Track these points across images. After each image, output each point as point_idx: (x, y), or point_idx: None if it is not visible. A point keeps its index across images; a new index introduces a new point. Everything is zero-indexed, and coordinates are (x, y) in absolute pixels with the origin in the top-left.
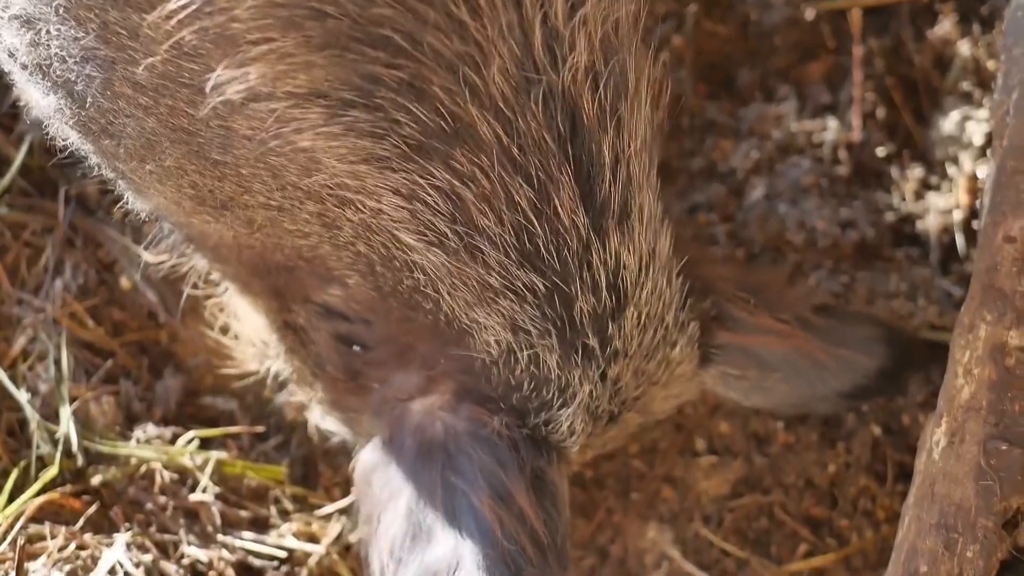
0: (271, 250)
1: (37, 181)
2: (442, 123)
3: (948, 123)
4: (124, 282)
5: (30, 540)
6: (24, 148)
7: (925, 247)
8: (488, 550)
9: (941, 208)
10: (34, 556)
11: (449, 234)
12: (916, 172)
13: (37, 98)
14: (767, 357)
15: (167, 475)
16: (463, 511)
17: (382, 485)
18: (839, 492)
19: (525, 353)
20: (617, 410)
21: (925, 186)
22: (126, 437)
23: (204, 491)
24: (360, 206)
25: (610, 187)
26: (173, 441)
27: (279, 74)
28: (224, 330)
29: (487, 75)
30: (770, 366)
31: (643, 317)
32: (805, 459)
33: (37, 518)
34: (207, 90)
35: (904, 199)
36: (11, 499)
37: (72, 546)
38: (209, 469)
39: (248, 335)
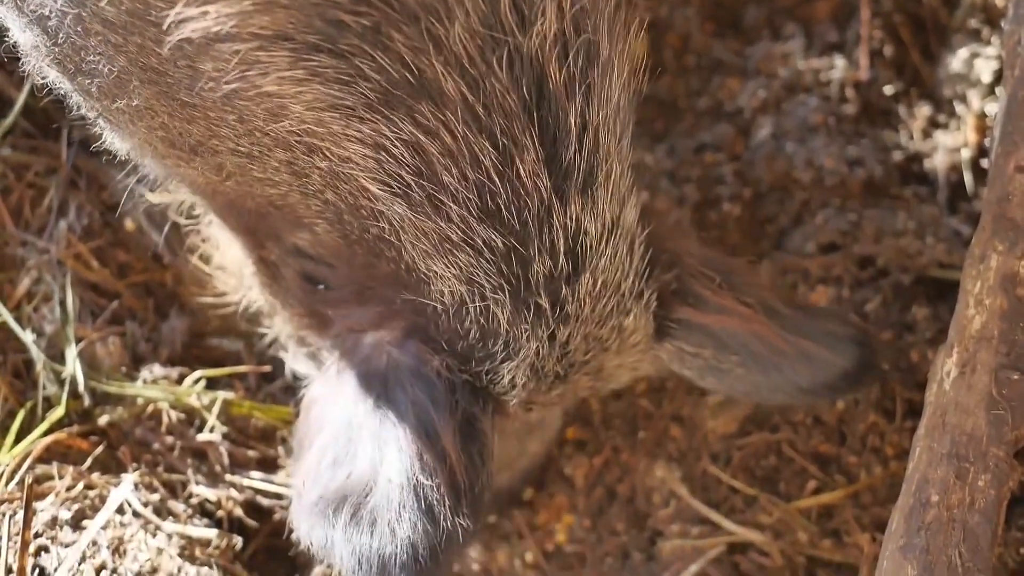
0: (243, 197)
1: (40, 122)
2: (408, 75)
3: (956, 61)
4: (128, 223)
5: (38, 480)
6: (26, 89)
7: (933, 185)
8: (403, 481)
9: (949, 146)
10: (42, 496)
11: (414, 186)
12: (924, 110)
13: (17, 35)
14: (725, 338)
15: (174, 415)
16: (388, 441)
17: (320, 412)
18: (847, 429)
19: (477, 304)
20: (563, 372)
21: (933, 124)
22: (132, 378)
23: (212, 431)
24: (328, 154)
25: (576, 153)
26: (180, 381)
27: (242, 13)
28: (206, 259)
29: (451, 30)
30: (728, 348)
31: (599, 284)
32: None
33: (44, 458)
34: (167, 27)
35: (912, 137)
36: (18, 439)
37: (80, 486)
38: (216, 409)
39: (228, 266)
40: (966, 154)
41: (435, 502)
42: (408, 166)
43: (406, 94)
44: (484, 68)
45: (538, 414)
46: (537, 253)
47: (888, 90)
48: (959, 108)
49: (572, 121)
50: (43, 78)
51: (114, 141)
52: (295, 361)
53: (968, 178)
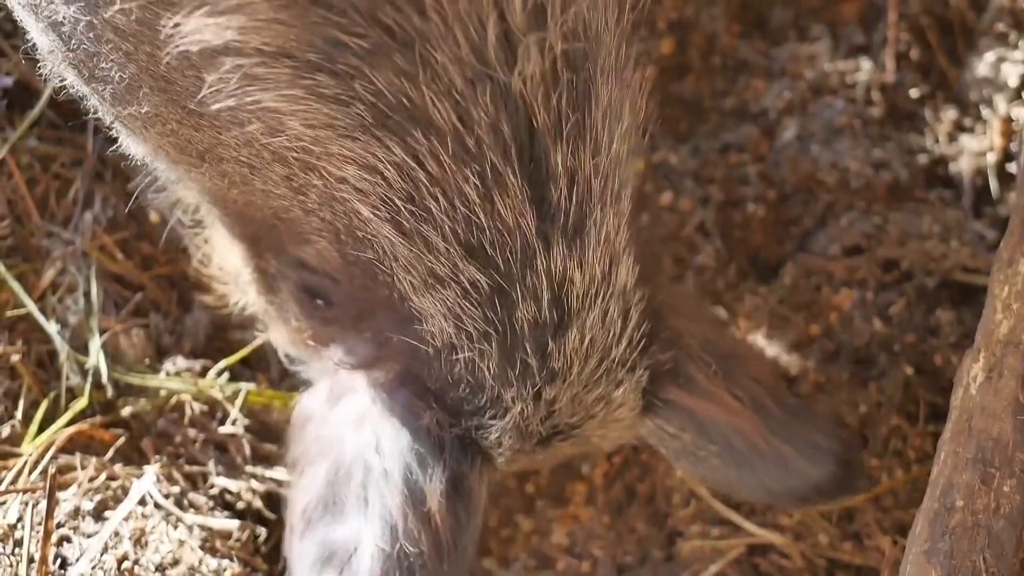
0: (249, 207)
1: (66, 113)
2: (403, 99)
3: (983, 64)
4: (153, 216)
5: (61, 470)
6: (53, 80)
7: (958, 189)
8: (386, 546)
9: (975, 150)
10: (65, 486)
11: (403, 212)
12: (950, 114)
13: (35, 37)
14: (707, 427)
15: (197, 407)
16: (374, 498)
17: (313, 438)
18: (870, 432)
19: (465, 355)
20: (547, 434)
21: (959, 128)
22: (155, 370)
23: (234, 423)
24: (324, 173)
25: (564, 198)
26: (203, 374)
27: (244, 28)
28: (206, 261)
29: (443, 59)
30: (708, 436)
31: (587, 343)
32: (836, 399)
33: (67, 449)
34: (168, 35)
35: (937, 141)
36: (41, 429)
37: (102, 477)
38: (239, 402)
39: (226, 269)
40: (992, 158)
41: (417, 567)
42: (398, 191)
43: (401, 118)
44: (473, 99)
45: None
46: (521, 297)
47: (914, 93)
48: (985, 112)
49: (560, 160)
50: (61, 80)
51: (129, 145)
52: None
53: (993, 182)
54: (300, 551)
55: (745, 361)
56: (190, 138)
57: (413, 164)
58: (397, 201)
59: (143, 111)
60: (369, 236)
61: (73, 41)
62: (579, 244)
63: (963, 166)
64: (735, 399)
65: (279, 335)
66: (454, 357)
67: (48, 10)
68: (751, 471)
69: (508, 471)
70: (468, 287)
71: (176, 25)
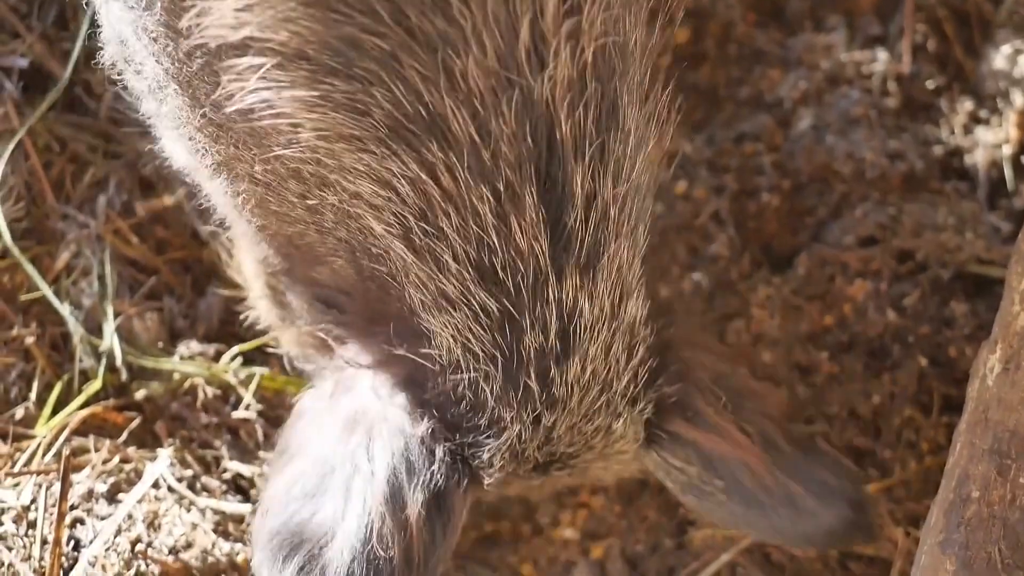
0: (264, 231)
1: (83, 97)
2: (421, 109)
3: (1000, 57)
4: (168, 200)
5: (74, 453)
6: (71, 64)
7: (973, 181)
8: (358, 543)
9: (990, 142)
10: (78, 468)
11: (415, 230)
12: (966, 105)
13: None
14: (714, 461)
15: (210, 391)
16: (355, 496)
17: (304, 431)
18: (883, 423)
19: (469, 374)
20: (544, 461)
21: (975, 120)
22: (169, 353)
23: (247, 408)
24: (339, 188)
25: (580, 222)
26: (216, 358)
27: (261, 24)
28: (229, 259)
29: (466, 65)
30: (714, 471)
31: (588, 373)
32: (849, 389)
33: (81, 431)
34: (187, 28)
35: (953, 132)
36: (55, 412)
37: (116, 459)
38: (253, 386)
39: (245, 273)
40: (1007, 150)
41: (384, 572)
42: (412, 207)
43: (418, 129)
44: (494, 110)
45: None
46: (530, 325)
47: (930, 84)
48: (1001, 104)
49: (579, 182)
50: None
51: (164, 144)
52: (296, 360)
53: (1009, 174)
54: (268, 532)
55: (757, 396)
56: (207, 146)
57: (427, 179)
58: (410, 218)
59: (164, 111)
60: (383, 252)
61: (123, 39)
62: (591, 275)
63: (978, 158)
64: (744, 434)
65: (286, 338)
66: (458, 375)
67: (104, 10)
68: (759, 510)
69: (504, 495)
70: (479, 311)
71: (197, 15)
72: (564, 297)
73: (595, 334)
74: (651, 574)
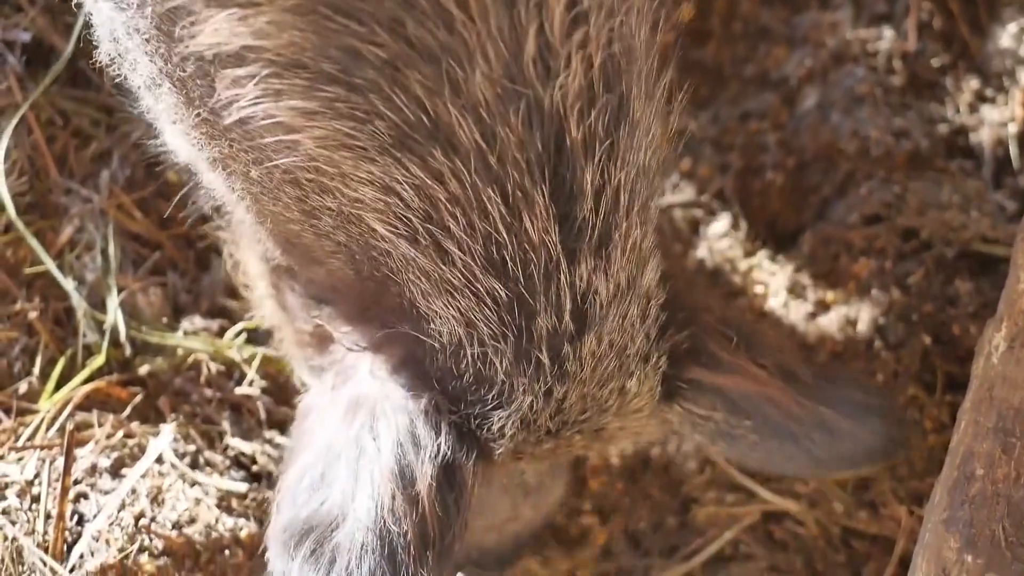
0: (260, 229)
1: (86, 71)
2: (424, 117)
3: (1006, 35)
4: (172, 175)
5: (78, 427)
6: (74, 38)
7: (978, 159)
8: (370, 523)
9: (996, 121)
10: (82, 443)
11: (421, 231)
12: (971, 84)
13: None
14: (739, 401)
15: (214, 367)
16: (363, 476)
17: (310, 427)
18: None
19: (476, 349)
20: (556, 428)
21: (980, 98)
22: (173, 329)
23: (251, 384)
24: (339, 194)
25: (591, 212)
26: (220, 334)
27: (257, 33)
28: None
29: (471, 76)
30: (740, 412)
31: (603, 345)
32: (853, 367)
33: (84, 406)
34: (181, 36)
35: (959, 111)
36: (58, 387)
37: (119, 434)
38: (256, 363)
39: (248, 273)
40: (1013, 129)
41: (399, 549)
42: (416, 210)
43: (421, 137)
44: (500, 118)
45: (535, 477)
46: (543, 308)
47: (936, 62)
48: (1007, 82)
49: (589, 180)
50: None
51: (165, 138)
52: (301, 372)
53: (1014, 152)
54: (281, 526)
55: (764, 334)
56: (203, 144)
57: (433, 184)
58: (415, 220)
59: (159, 107)
60: (385, 251)
61: (114, 34)
62: (605, 256)
63: (984, 136)
64: (763, 369)
65: (287, 339)
66: (462, 352)
67: (91, 7)
68: (793, 441)
69: (515, 471)
70: (485, 296)
71: (192, 23)
72: (577, 280)
73: (612, 309)
74: (654, 552)
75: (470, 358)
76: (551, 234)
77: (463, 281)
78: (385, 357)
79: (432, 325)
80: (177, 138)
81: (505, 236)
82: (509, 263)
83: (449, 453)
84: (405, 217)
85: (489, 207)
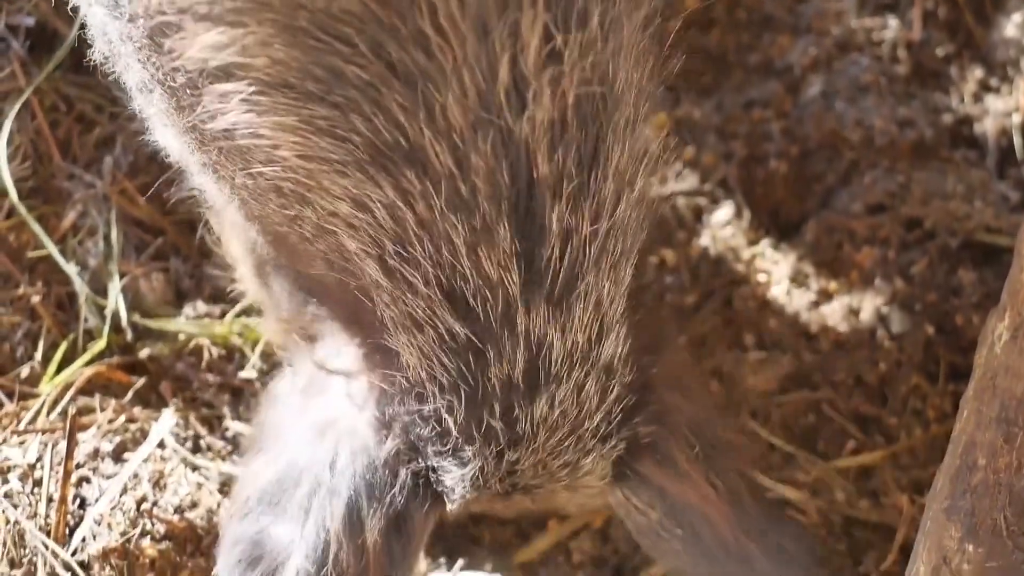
0: (252, 227)
1: (89, 56)
2: (400, 138)
3: (1011, 25)
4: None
5: (80, 412)
6: (78, 23)
7: (983, 149)
8: (313, 569)
9: (1000, 111)
10: (84, 427)
11: (389, 251)
12: (976, 73)
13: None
14: (677, 509)
15: (215, 351)
16: (315, 515)
17: (275, 424)
18: (889, 390)
19: (436, 401)
20: (506, 491)
21: (985, 88)
22: (175, 314)
23: (253, 368)
24: (317, 206)
25: (555, 259)
26: (222, 318)
27: (243, 48)
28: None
29: (446, 101)
30: (675, 519)
31: (557, 412)
32: (856, 357)
33: (87, 390)
34: (170, 49)
35: (963, 100)
36: (60, 371)
37: (121, 419)
38: (258, 348)
39: (232, 253)
40: (1017, 119)
41: None
42: (386, 230)
43: (397, 157)
44: (473, 145)
45: None
46: (495, 355)
47: (940, 52)
48: (1011, 72)
49: (555, 218)
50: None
51: (158, 137)
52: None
53: (1018, 142)
54: (233, 537)
55: (731, 449)
56: (193, 149)
57: (402, 205)
58: (384, 240)
59: (151, 112)
60: (359, 270)
61: (108, 36)
62: (564, 309)
63: (988, 126)
64: (711, 487)
65: (269, 324)
66: (424, 397)
67: (85, 9)
68: (712, 564)
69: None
70: (444, 335)
71: (181, 39)
72: (532, 329)
73: (567, 371)
74: None
75: (432, 407)
76: (511, 272)
77: (425, 315)
78: (357, 388)
79: (398, 361)
80: (169, 139)
81: (467, 268)
82: (469, 299)
83: (402, 504)
84: (376, 237)
85: (454, 235)
